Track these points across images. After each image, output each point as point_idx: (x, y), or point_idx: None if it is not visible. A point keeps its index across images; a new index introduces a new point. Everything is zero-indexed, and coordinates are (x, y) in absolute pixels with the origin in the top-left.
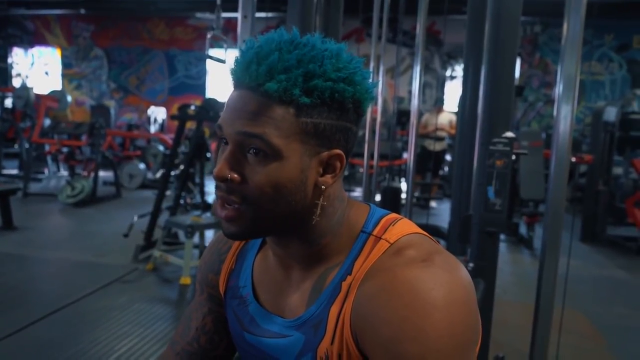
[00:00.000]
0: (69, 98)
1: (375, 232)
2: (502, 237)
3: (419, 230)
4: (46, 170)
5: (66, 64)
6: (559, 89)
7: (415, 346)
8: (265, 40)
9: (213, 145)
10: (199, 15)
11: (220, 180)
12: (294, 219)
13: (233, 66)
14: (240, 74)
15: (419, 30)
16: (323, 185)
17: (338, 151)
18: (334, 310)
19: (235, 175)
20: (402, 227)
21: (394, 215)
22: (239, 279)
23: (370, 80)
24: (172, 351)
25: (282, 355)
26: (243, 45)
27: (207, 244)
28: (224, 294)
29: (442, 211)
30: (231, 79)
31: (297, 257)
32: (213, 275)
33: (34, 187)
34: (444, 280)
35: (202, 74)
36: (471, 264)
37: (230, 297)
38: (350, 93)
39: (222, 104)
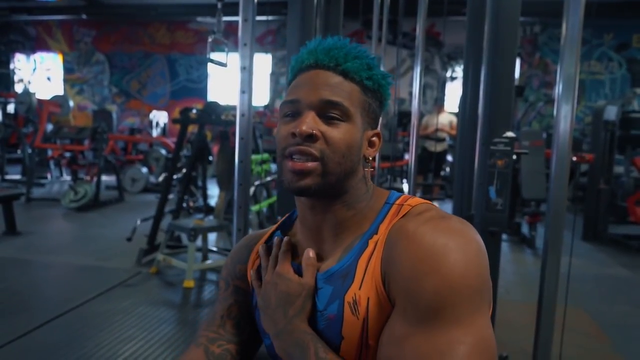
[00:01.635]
0: (71, 103)
1: (397, 202)
2: (504, 237)
3: (435, 204)
4: (49, 175)
5: (68, 69)
6: (558, 88)
7: (432, 280)
8: (332, 38)
9: (215, 149)
10: (199, 19)
11: (305, 135)
12: (348, 181)
13: (308, 52)
14: (321, 57)
15: (419, 31)
16: (369, 155)
17: (378, 131)
18: (362, 261)
19: (317, 132)
20: (420, 200)
21: (411, 195)
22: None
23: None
24: (194, 345)
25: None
26: (305, 44)
27: (210, 247)
28: (252, 282)
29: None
30: (304, 63)
31: (332, 223)
32: (242, 265)
33: (37, 192)
34: (461, 233)
35: (204, 77)
36: None
37: (256, 279)
38: (386, 89)
39: (224, 107)
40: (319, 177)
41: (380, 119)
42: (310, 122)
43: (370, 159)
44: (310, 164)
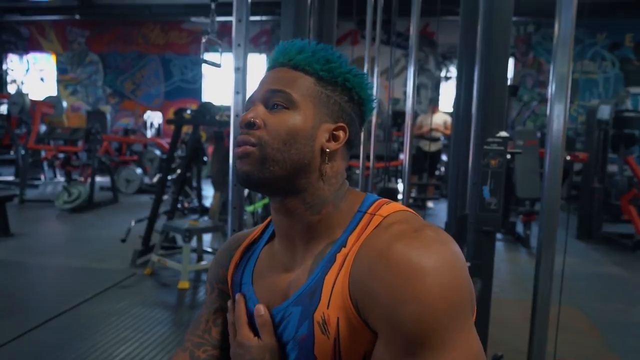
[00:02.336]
0: (65, 104)
1: (369, 211)
2: (499, 236)
3: (411, 210)
4: (42, 176)
5: (61, 70)
6: (551, 88)
7: (411, 308)
8: (298, 40)
9: (210, 149)
10: (193, 19)
11: (245, 123)
12: (300, 174)
13: (272, 55)
14: (278, 56)
15: (413, 31)
16: (327, 149)
17: (342, 124)
18: (329, 278)
19: (258, 120)
20: (394, 206)
21: (387, 199)
22: (243, 274)
23: (374, 96)
24: (180, 349)
25: (282, 333)
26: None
27: (205, 247)
28: (231, 290)
29: (439, 211)
30: (267, 65)
31: (299, 227)
32: (224, 270)
33: (30, 193)
34: (434, 247)
35: (198, 78)
36: (468, 264)
37: (234, 293)
38: (358, 85)
39: (218, 107)
40: (258, 163)
41: (370, 119)
42: (252, 112)
43: (328, 151)
44: (248, 147)
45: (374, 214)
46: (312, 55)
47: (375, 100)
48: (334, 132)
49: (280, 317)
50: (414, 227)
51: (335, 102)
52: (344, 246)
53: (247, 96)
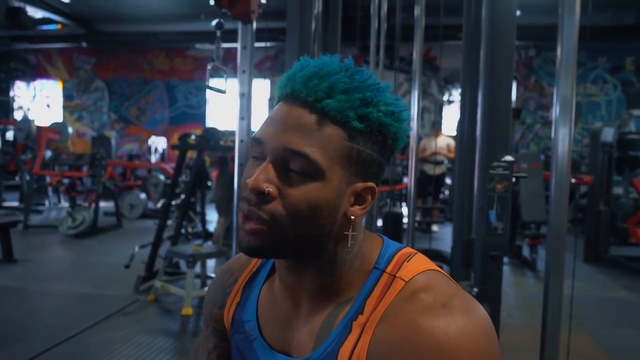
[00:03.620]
0: (70, 130)
1: (388, 270)
2: (505, 260)
3: (434, 266)
4: (47, 202)
5: (67, 96)
6: (555, 111)
7: None
8: (325, 59)
9: (214, 174)
10: (198, 46)
11: (256, 192)
12: (317, 245)
13: (287, 79)
14: (298, 87)
15: (416, 56)
16: (352, 215)
17: (372, 184)
18: (343, 352)
19: (272, 189)
20: (417, 264)
21: (407, 250)
22: (244, 312)
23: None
24: None
25: None
26: (294, 62)
27: (209, 273)
28: (229, 329)
29: (444, 235)
30: (282, 91)
31: (309, 287)
32: (217, 309)
33: (34, 218)
34: (466, 329)
35: (202, 103)
36: (475, 289)
37: (234, 332)
38: (395, 129)
39: (222, 132)
40: (275, 238)
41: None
42: (263, 176)
43: (353, 218)
44: (259, 225)
45: (395, 275)
46: (347, 99)
47: (409, 131)
48: (361, 193)
49: None
50: (442, 299)
51: (367, 156)
52: (361, 313)
53: (251, 121)
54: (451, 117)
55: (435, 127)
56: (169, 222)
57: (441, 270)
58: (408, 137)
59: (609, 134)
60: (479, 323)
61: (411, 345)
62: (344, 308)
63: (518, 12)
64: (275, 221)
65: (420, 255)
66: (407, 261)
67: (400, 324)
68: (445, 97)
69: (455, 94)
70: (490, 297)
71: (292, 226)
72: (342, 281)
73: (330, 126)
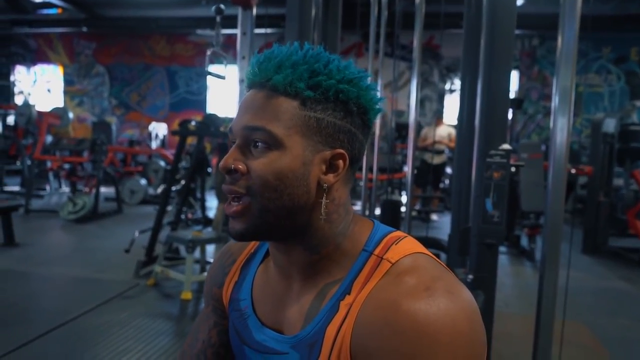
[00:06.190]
0: (71, 115)
1: (376, 252)
2: (504, 249)
3: (423, 249)
4: (48, 187)
5: (68, 81)
6: (555, 101)
7: None
8: (278, 47)
9: (214, 161)
10: (199, 32)
11: (226, 171)
12: (297, 217)
13: (249, 69)
14: (254, 73)
15: (416, 44)
16: (325, 183)
17: (341, 150)
18: (330, 330)
19: (240, 166)
20: (405, 247)
21: (397, 233)
22: (240, 291)
23: (378, 94)
24: None
25: None
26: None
27: (208, 258)
28: (227, 307)
29: (443, 224)
30: (247, 81)
31: (298, 265)
32: (217, 288)
33: (35, 203)
34: (447, 312)
35: (203, 89)
36: (470, 276)
37: (231, 310)
38: (354, 94)
39: (223, 119)
40: (255, 216)
41: (374, 131)
42: (229, 156)
43: (326, 186)
44: (239, 207)
45: (382, 257)
46: (293, 72)
47: (380, 101)
48: (332, 161)
49: (278, 348)
50: (425, 282)
51: (329, 123)
52: (349, 293)
53: None
54: (453, 106)
55: (437, 116)
56: (169, 207)
57: (430, 254)
58: (379, 105)
59: (610, 125)
60: (461, 306)
61: (392, 326)
62: (333, 288)
63: (521, 1)
64: (251, 195)
65: (409, 239)
66: (396, 244)
67: (383, 305)
68: (447, 86)
69: (457, 83)
70: (485, 284)
71: (267, 198)
72: (329, 260)
73: (282, 98)
